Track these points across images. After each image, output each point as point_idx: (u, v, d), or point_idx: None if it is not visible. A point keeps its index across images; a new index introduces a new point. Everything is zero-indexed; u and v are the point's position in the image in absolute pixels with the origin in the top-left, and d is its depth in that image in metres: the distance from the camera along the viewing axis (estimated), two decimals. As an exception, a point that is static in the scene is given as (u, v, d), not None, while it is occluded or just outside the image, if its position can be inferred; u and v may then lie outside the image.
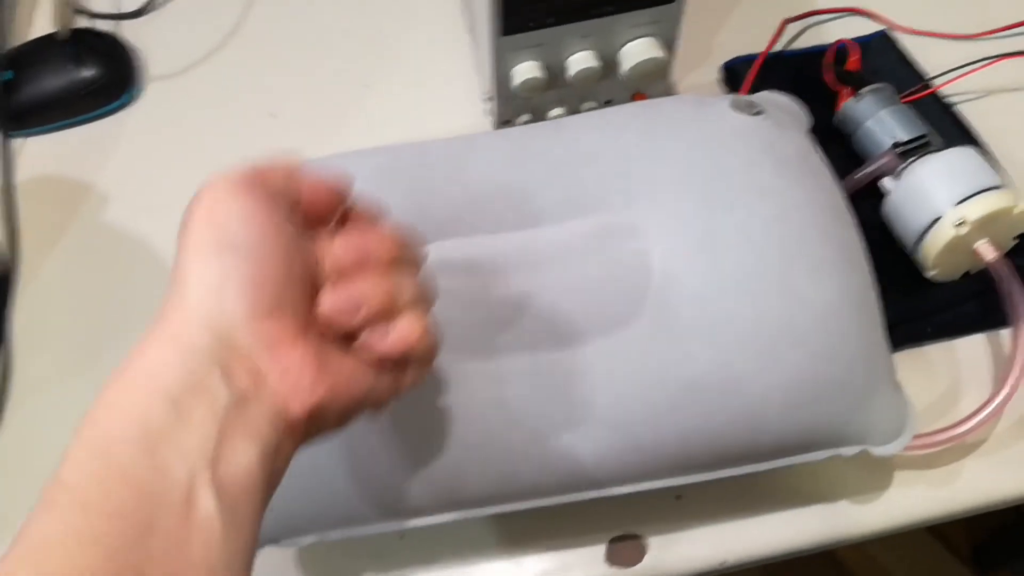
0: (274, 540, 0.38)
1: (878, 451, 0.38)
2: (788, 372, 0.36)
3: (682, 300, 0.37)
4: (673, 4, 0.47)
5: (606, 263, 0.39)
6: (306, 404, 0.27)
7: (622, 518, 0.42)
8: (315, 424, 0.28)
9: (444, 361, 0.36)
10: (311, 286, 0.28)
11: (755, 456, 0.38)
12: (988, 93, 0.56)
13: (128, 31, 0.63)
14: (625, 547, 0.42)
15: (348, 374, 0.28)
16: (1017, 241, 0.47)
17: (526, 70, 0.49)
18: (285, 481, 0.27)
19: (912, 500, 0.43)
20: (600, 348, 0.37)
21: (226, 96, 0.60)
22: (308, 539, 0.38)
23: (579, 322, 0.38)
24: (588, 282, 0.38)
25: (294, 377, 0.27)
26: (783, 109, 0.46)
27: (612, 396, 0.36)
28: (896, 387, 0.39)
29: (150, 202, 0.55)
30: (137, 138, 0.59)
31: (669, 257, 0.38)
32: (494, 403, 0.36)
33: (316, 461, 0.36)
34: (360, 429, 0.35)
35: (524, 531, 0.42)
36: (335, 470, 0.36)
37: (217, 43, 0.63)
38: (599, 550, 0.42)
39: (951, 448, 0.43)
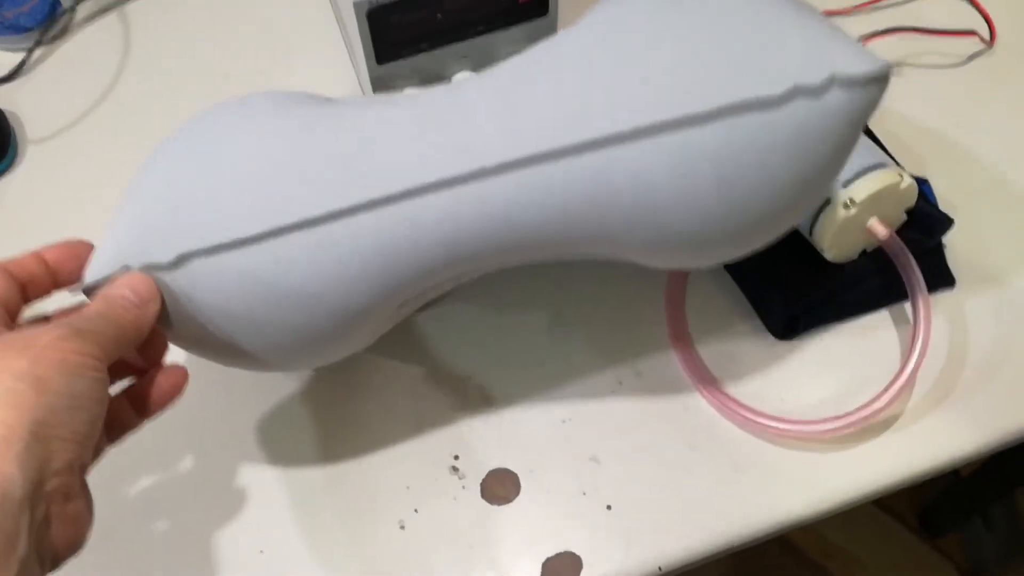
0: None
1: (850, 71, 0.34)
2: None
3: None
4: (546, 18, 0.47)
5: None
6: (73, 552, 0.28)
7: (555, 535, 0.42)
8: None
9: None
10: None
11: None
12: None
13: (1, 96, 0.61)
14: (561, 564, 0.41)
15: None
16: (907, 216, 0.48)
17: (409, 96, 0.48)
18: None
19: (839, 481, 0.43)
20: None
21: (107, 154, 0.58)
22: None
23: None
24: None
25: (76, 530, 0.28)
26: None
27: None
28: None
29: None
30: (18, 204, 0.56)
31: None
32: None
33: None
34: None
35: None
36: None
37: (94, 101, 0.61)
38: (534, 570, 0.41)
39: (871, 426, 0.43)
